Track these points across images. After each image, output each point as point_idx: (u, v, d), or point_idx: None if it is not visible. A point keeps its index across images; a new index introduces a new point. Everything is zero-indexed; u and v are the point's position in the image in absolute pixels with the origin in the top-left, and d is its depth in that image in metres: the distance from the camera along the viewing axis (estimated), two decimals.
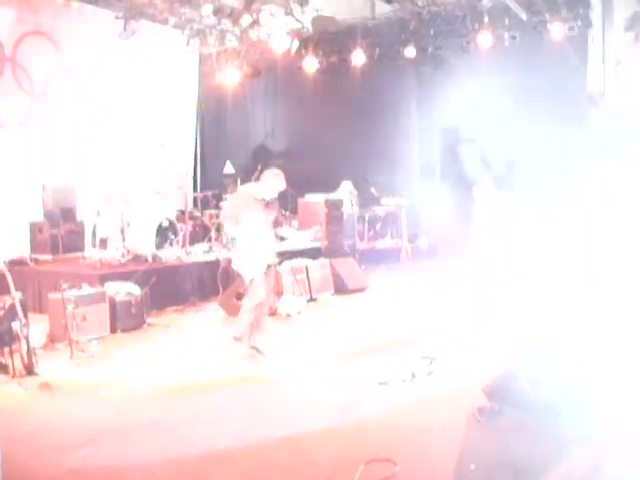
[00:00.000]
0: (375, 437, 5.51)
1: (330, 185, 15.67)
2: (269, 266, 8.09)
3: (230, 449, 5.29)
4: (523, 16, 14.80)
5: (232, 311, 10.53)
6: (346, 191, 15.69)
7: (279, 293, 11.07)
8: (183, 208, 13.41)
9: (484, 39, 14.99)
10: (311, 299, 11.64)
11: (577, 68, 14.95)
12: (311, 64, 16.96)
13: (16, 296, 7.31)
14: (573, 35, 14.50)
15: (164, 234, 12.58)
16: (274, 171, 8.12)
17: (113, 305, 9.41)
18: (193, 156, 18.45)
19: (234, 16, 15.09)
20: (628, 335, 6.84)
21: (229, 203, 8.02)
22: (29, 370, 7.26)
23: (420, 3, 15.25)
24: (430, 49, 16.12)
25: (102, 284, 9.76)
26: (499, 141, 16.08)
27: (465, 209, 10.43)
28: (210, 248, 13.00)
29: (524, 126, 15.55)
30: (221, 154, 18.06)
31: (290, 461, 5.06)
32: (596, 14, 14.54)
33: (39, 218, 12.77)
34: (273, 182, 8.05)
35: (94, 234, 12.33)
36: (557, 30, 14.39)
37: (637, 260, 8.17)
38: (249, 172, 15.20)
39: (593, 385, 5.81)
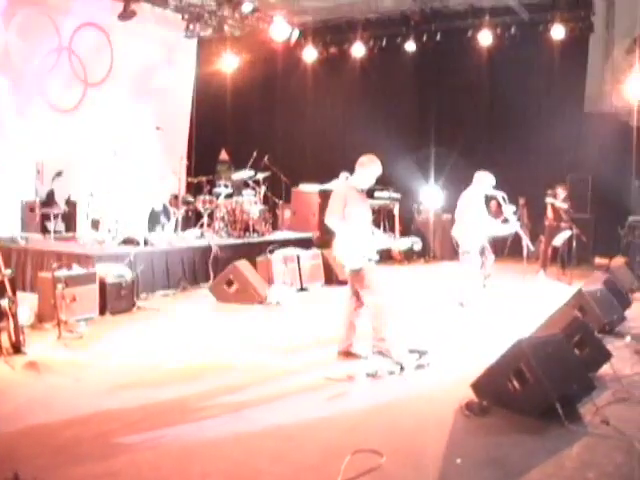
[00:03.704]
0: (362, 428, 5.50)
1: (327, 175, 15.64)
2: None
3: (218, 435, 5.28)
4: (525, 16, 14.82)
5: (222, 297, 10.55)
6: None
7: (270, 282, 11.10)
8: (176, 193, 13.38)
9: (484, 37, 15.02)
10: (301, 288, 11.65)
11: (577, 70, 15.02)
12: (311, 54, 16.96)
13: (6, 273, 7.28)
14: (574, 37, 14.56)
15: (157, 218, 12.56)
16: (369, 157, 7.47)
17: (103, 287, 9.36)
18: (188, 141, 18.41)
19: (235, 2, 15.06)
20: None
21: (333, 199, 7.49)
22: (16, 349, 7.23)
23: None
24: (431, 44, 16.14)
25: (93, 265, 9.72)
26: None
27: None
28: (202, 234, 12.98)
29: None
30: (216, 140, 18.02)
31: (278, 448, 5.06)
32: (598, 18, 14.58)
33: (31, 197, 12.72)
34: (370, 169, 7.43)
35: (87, 215, 12.28)
36: (558, 31, 14.42)
37: None
38: (244, 159, 15.20)
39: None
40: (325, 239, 13.83)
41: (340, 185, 7.82)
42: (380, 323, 7.21)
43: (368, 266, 7.24)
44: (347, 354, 7.46)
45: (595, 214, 14.94)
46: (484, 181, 10.27)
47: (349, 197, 7.30)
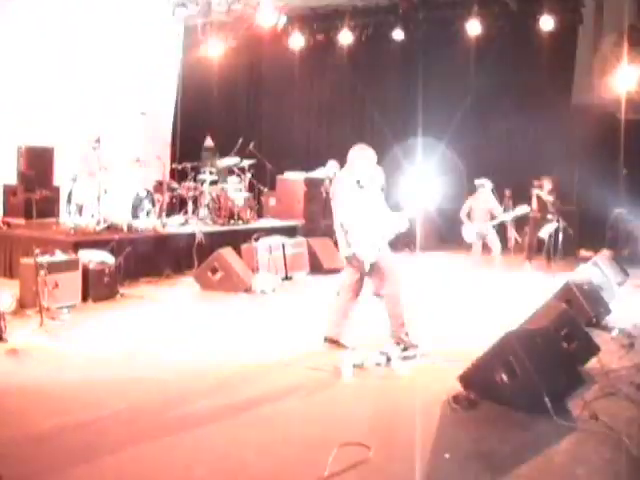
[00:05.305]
0: (349, 420, 5.44)
1: (313, 163, 15.55)
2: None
3: (202, 426, 5.20)
4: (514, 6, 14.76)
5: (206, 285, 10.46)
6: (332, 171, 15.36)
7: (254, 270, 11.01)
8: (161, 178, 13.25)
9: (473, 27, 14.93)
10: (286, 277, 11.57)
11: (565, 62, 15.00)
12: (297, 41, 16.84)
13: None
14: (563, 29, 14.51)
15: (141, 204, 12.44)
16: (362, 146, 7.42)
17: (86, 273, 9.25)
18: (173, 127, 18.27)
19: None
20: None
21: (338, 192, 7.41)
22: None
23: None
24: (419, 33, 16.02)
25: (76, 251, 9.59)
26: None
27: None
28: (186, 220, 12.86)
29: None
30: (202, 126, 17.86)
31: (264, 440, 4.99)
32: (587, 10, 14.57)
33: (13, 181, 12.56)
34: (364, 159, 7.33)
35: (70, 200, 12.13)
36: (547, 23, 14.36)
37: None
38: (229, 146, 15.07)
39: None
40: (310, 227, 13.78)
41: (338, 182, 7.67)
42: (399, 311, 7.31)
43: (382, 256, 7.21)
44: (334, 342, 7.39)
45: (581, 206, 14.93)
46: None
47: (350, 191, 7.25)
